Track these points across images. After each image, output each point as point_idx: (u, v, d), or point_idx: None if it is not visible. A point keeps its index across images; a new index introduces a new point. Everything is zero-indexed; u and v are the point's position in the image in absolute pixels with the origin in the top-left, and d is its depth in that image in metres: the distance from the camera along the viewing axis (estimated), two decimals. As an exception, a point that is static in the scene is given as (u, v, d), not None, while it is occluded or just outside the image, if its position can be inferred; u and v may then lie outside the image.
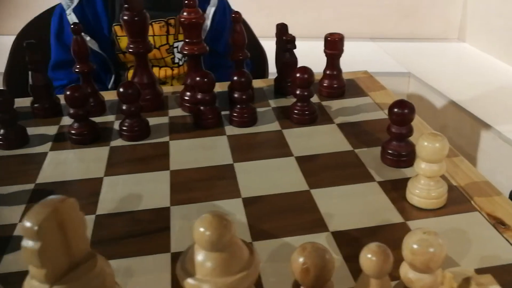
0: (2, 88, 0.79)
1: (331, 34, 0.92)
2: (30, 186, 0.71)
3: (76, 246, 0.28)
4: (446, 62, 2.19)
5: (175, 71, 1.23)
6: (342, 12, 2.42)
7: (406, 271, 0.45)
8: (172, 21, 1.18)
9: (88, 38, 1.12)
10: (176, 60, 1.23)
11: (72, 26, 0.84)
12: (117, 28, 1.15)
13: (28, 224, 0.27)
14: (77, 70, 0.87)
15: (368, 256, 0.34)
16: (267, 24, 1.39)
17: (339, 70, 0.94)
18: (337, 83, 0.94)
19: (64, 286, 0.28)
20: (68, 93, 0.77)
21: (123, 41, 1.16)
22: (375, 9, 2.44)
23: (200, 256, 0.29)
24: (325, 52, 0.93)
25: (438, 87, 1.88)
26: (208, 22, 1.20)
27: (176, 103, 0.95)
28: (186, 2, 0.83)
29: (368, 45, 2.36)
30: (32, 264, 0.28)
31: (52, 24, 1.19)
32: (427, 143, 0.60)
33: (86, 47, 0.86)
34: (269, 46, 1.29)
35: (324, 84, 0.95)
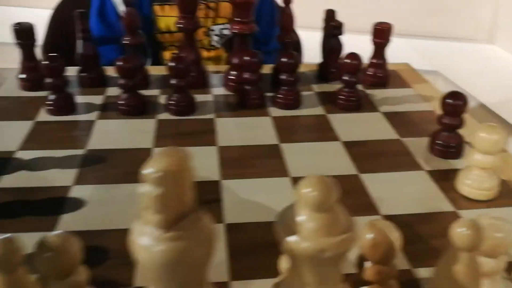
0: (55, 54, 0.79)
1: (380, 23, 0.92)
2: (80, 151, 0.72)
3: (187, 197, 0.29)
4: (474, 63, 2.17)
5: (212, 53, 1.24)
6: (370, 7, 2.41)
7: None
8: (212, 5, 1.19)
9: None
10: (213, 43, 1.23)
11: (125, -3, 0.85)
12: (157, 8, 1.16)
13: (150, 170, 0.28)
14: (127, 42, 0.88)
15: (462, 230, 0.34)
16: (303, 13, 1.39)
17: (384, 60, 0.94)
18: (381, 73, 0.94)
19: (176, 233, 0.28)
20: (120, 63, 0.78)
21: (162, 21, 1.16)
22: (404, 5, 2.42)
23: (302, 216, 0.30)
24: (372, 40, 0.93)
25: (466, 87, 1.87)
26: None
27: (218, 82, 0.95)
28: (240, -19, 0.83)
29: (396, 41, 2.35)
30: (150, 210, 0.28)
31: (93, 2, 1.18)
32: (484, 134, 0.60)
33: (138, 19, 0.87)
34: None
35: (369, 73, 0.95)
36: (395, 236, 0.44)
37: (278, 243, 0.48)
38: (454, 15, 2.42)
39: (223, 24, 1.23)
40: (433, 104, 0.88)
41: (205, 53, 1.22)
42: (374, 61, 0.95)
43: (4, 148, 0.71)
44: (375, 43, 0.94)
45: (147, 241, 0.29)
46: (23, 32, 0.85)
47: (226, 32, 1.23)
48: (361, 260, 0.46)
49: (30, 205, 0.61)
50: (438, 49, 2.27)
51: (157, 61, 1.21)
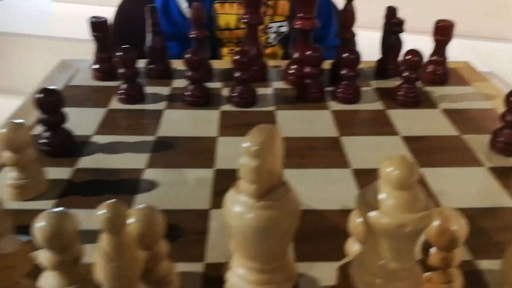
0: (127, 46, 0.84)
1: (441, 20, 0.92)
2: (151, 137, 0.76)
3: (277, 170, 0.32)
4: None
5: (268, 50, 1.26)
6: (426, 7, 2.37)
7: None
8: (271, 2, 1.21)
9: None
10: (270, 40, 1.26)
11: (193, -7, 0.89)
12: (217, 6, 1.19)
13: (248, 144, 0.31)
14: (193, 36, 0.92)
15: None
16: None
17: (444, 57, 0.94)
18: (441, 70, 0.94)
19: (267, 203, 0.31)
20: (188, 56, 0.82)
21: (222, 19, 1.19)
22: (461, 6, 2.38)
23: (384, 193, 0.32)
24: (433, 37, 0.93)
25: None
26: None
27: (278, 76, 0.98)
28: (305, -23, 0.85)
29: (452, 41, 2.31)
30: (246, 180, 0.31)
31: (157, 0, 1.22)
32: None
33: (204, 14, 0.91)
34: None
35: (428, 70, 0.95)
36: (461, 224, 0.45)
37: (338, 230, 0.50)
38: (510, 16, 2.36)
39: (280, 21, 1.25)
40: (493, 102, 0.88)
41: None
42: (434, 58, 0.95)
43: (82, 132, 0.77)
44: (436, 40, 0.93)
45: (240, 209, 0.32)
46: (99, 26, 0.91)
47: (283, 29, 1.26)
48: (426, 246, 0.47)
49: (107, 184, 0.66)
50: (494, 50, 2.22)
51: (215, 57, 1.24)
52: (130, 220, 0.45)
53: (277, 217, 0.32)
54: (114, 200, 0.35)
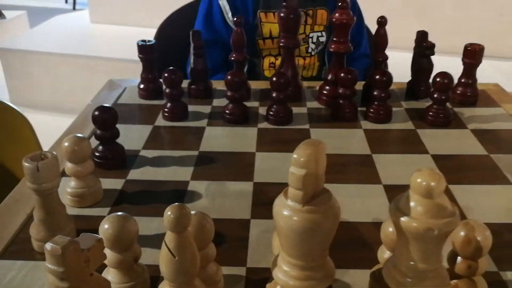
0: (174, 68, 0.91)
1: (471, 44, 0.96)
2: (195, 152, 0.82)
3: (321, 179, 0.37)
4: None
5: (307, 60, 1.29)
6: (457, 26, 2.40)
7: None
8: (310, 12, 1.24)
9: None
10: (309, 50, 1.28)
11: (235, 19, 0.96)
12: (262, 15, 1.22)
13: (297, 156, 0.36)
14: (233, 58, 0.98)
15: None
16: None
17: (474, 80, 0.98)
18: (471, 92, 0.98)
19: (311, 207, 0.36)
20: (229, 77, 0.88)
21: (266, 27, 1.22)
22: (491, 27, 2.40)
23: (414, 201, 0.36)
24: (463, 60, 0.97)
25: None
26: None
27: (312, 96, 1.03)
28: (339, 4, 0.91)
29: (483, 62, 2.32)
30: (293, 187, 0.36)
31: (201, 6, 1.28)
32: None
33: (244, 39, 0.97)
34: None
35: (458, 92, 0.99)
36: (486, 234, 0.49)
37: (370, 240, 0.55)
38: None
39: (320, 31, 1.27)
40: (523, 124, 0.91)
41: (301, 61, 1.27)
42: (464, 80, 0.99)
43: (131, 147, 0.83)
44: (465, 63, 0.97)
45: (287, 212, 0.37)
46: (146, 48, 0.98)
47: (322, 39, 1.28)
48: (453, 255, 0.51)
49: (155, 194, 0.72)
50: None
51: (254, 69, 1.28)
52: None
53: (320, 221, 0.37)
54: (178, 203, 0.40)
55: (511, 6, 2.35)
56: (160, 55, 1.43)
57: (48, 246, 0.39)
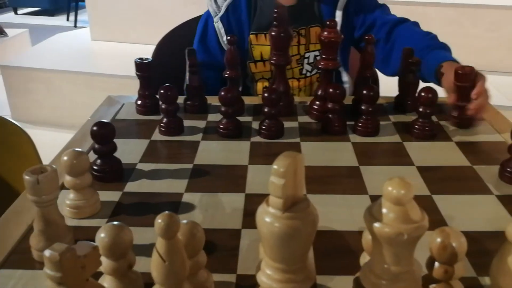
0: (169, 85, 0.95)
1: (462, 67, 0.94)
2: (189, 165, 0.86)
3: (300, 189, 0.40)
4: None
5: (301, 82, 1.26)
6: (449, 42, 2.45)
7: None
8: (302, 31, 1.21)
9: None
10: (304, 72, 1.25)
11: (228, 38, 1.00)
12: (252, 37, 1.21)
13: (276, 166, 0.39)
14: (226, 75, 1.02)
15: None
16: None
17: (468, 101, 0.95)
18: (467, 115, 0.95)
19: (291, 214, 0.39)
20: (222, 93, 0.92)
21: (257, 50, 1.22)
22: (483, 41, 2.44)
23: (386, 208, 0.40)
24: (455, 84, 0.95)
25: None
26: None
27: (303, 111, 1.07)
28: (328, 23, 0.95)
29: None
30: (274, 195, 0.40)
31: (198, 27, 1.29)
32: (550, 162, 0.66)
33: (238, 57, 1.01)
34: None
35: (453, 114, 0.98)
36: (461, 241, 0.52)
37: (355, 248, 0.58)
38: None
39: (318, 50, 1.23)
40: (505, 136, 0.94)
41: (295, 83, 1.24)
42: (459, 103, 0.96)
43: (128, 160, 0.86)
44: (458, 87, 0.95)
45: (269, 219, 0.41)
46: (143, 66, 1.02)
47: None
48: (431, 261, 0.54)
49: (150, 206, 0.75)
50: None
51: (248, 93, 1.29)
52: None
53: (299, 226, 0.40)
54: (167, 212, 0.43)
55: (499, 22, 2.40)
56: (159, 72, 1.48)
57: (47, 252, 0.42)
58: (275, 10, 0.96)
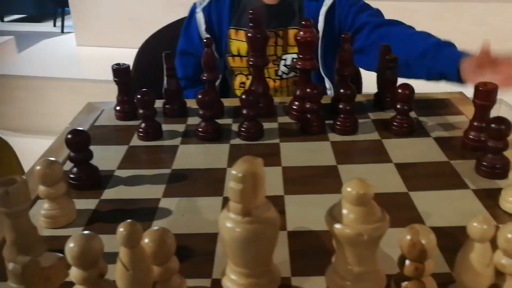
0: (146, 89, 0.94)
1: (483, 83, 0.84)
2: (167, 170, 0.85)
3: (260, 193, 0.40)
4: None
5: (277, 83, 1.26)
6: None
7: (499, 258, 0.52)
8: (280, 32, 1.22)
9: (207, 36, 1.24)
10: (279, 73, 1.25)
11: (204, 40, 0.99)
12: (231, 31, 1.23)
13: (235, 172, 0.39)
14: (204, 78, 1.02)
15: (475, 225, 0.43)
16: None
17: (485, 123, 0.85)
18: (485, 137, 0.83)
19: (251, 218, 0.39)
20: (199, 96, 0.92)
21: (234, 45, 1.24)
22: (467, 35, 2.45)
23: (346, 209, 0.39)
24: (474, 102, 0.85)
25: (532, 114, 1.87)
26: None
27: (283, 112, 1.07)
28: (303, 23, 0.95)
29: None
30: (233, 200, 0.39)
31: (187, 17, 1.32)
32: (523, 155, 0.67)
33: (214, 59, 1.01)
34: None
35: (470, 136, 0.87)
36: (430, 238, 0.52)
37: (332, 248, 0.57)
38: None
39: (295, 53, 1.17)
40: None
41: (270, 83, 1.23)
42: (476, 123, 0.86)
43: (106, 167, 0.86)
44: (476, 105, 0.85)
45: (230, 224, 0.40)
46: (121, 72, 1.02)
47: None
48: (402, 259, 0.54)
49: (128, 212, 0.75)
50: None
51: (226, 87, 1.30)
52: (146, 240, 0.53)
53: (260, 230, 0.40)
54: (130, 220, 0.43)
55: (482, 15, 2.41)
56: (141, 76, 1.47)
57: (10, 265, 0.42)
58: (250, 11, 0.96)
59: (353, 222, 0.39)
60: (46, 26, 5.46)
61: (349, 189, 0.39)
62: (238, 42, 1.24)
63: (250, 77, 1.27)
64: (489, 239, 0.44)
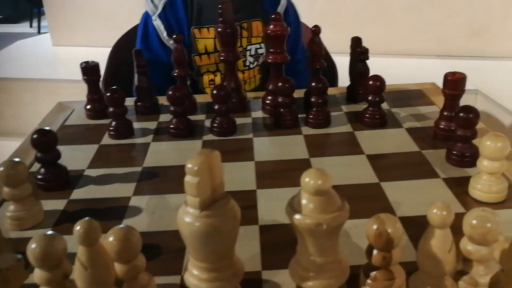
0: (115, 87, 0.93)
1: (451, 73, 0.85)
2: (138, 168, 0.84)
3: (218, 186, 0.39)
4: (515, 80, 2.19)
5: (245, 74, 1.30)
6: (409, 29, 2.47)
7: (465, 244, 0.52)
8: (245, 25, 1.25)
9: (171, 42, 1.23)
10: (247, 63, 1.30)
11: (174, 36, 0.98)
12: (195, 31, 1.24)
13: (190, 165, 0.38)
14: (175, 74, 1.01)
15: (434, 211, 0.43)
16: (336, 40, 1.49)
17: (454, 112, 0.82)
18: (455, 126, 0.82)
19: (209, 212, 0.39)
20: (170, 92, 0.90)
21: (201, 43, 1.24)
22: (444, 27, 2.47)
23: (305, 199, 0.39)
24: (443, 91, 0.87)
25: (507, 105, 1.89)
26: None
27: (257, 107, 1.06)
28: (273, 16, 0.94)
29: (435, 62, 2.40)
30: (190, 194, 0.39)
31: (139, 29, 1.31)
32: (489, 142, 0.67)
33: (185, 54, 1.00)
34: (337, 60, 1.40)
35: (441, 126, 0.88)
36: (396, 227, 0.52)
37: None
38: (496, 34, 2.45)
39: (258, 43, 1.29)
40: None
41: (240, 75, 1.25)
42: (446, 113, 0.87)
43: (75, 167, 0.84)
44: (446, 94, 0.86)
45: (188, 219, 0.40)
46: (90, 70, 1.00)
47: (261, 51, 1.30)
48: (369, 248, 0.54)
49: (97, 212, 0.73)
50: (479, 68, 2.29)
51: (196, 87, 1.30)
52: (110, 239, 0.52)
53: (218, 224, 0.39)
54: (87, 218, 0.42)
55: (458, 7, 2.44)
56: (115, 75, 1.45)
57: (-35, 269, 0.41)
58: (220, 6, 0.95)
59: (312, 212, 0.38)
60: (23, 27, 5.37)
61: (307, 179, 0.39)
62: (204, 39, 1.25)
63: (218, 73, 1.28)
64: (449, 225, 0.44)
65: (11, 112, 2.73)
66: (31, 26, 5.32)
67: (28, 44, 3.47)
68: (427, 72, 2.14)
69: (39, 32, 4.91)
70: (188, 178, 0.38)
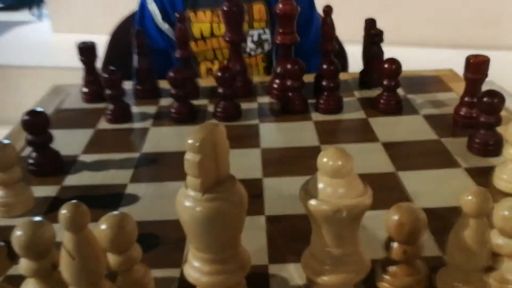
0: (113, 68, 0.88)
1: (474, 56, 0.79)
2: (136, 154, 0.79)
3: (223, 166, 0.34)
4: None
5: (246, 61, 1.16)
6: (422, 18, 2.41)
7: (496, 237, 0.47)
8: (245, 7, 1.16)
9: (166, 27, 1.18)
10: (248, 50, 1.21)
11: (177, 15, 0.92)
12: (190, 15, 1.17)
13: (191, 141, 0.33)
14: (177, 55, 0.95)
15: (469, 198, 0.37)
16: (345, 28, 1.43)
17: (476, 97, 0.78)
18: (477, 112, 0.78)
19: (213, 195, 0.33)
20: (171, 74, 0.85)
21: (196, 28, 1.17)
22: (457, 17, 2.41)
23: (322, 183, 0.34)
24: (465, 76, 0.81)
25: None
26: None
27: (264, 91, 1.00)
28: (282, -7, 0.89)
29: (448, 52, 2.33)
30: (191, 175, 0.33)
31: (136, 14, 1.25)
32: (518, 128, 0.61)
33: (188, 34, 0.94)
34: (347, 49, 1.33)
35: (461, 113, 0.82)
36: (420, 217, 0.46)
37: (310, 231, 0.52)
38: (509, 25, 2.39)
39: (262, 28, 1.21)
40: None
41: None
42: (467, 99, 0.82)
43: (70, 152, 0.79)
44: (467, 79, 0.81)
45: (188, 203, 0.34)
46: (86, 50, 0.94)
47: (265, 37, 1.22)
48: (389, 241, 0.48)
49: (92, 199, 0.67)
50: (492, 59, 2.23)
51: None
52: (102, 226, 0.47)
53: (224, 208, 0.34)
54: (74, 201, 0.37)
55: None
56: (115, 60, 1.40)
57: None
58: (225, -17, 0.89)
59: (330, 197, 0.33)
60: (23, 15, 5.31)
61: (325, 160, 0.34)
62: (200, 23, 1.18)
63: (215, 61, 1.21)
64: (486, 214, 0.39)
65: (11, 101, 2.68)
66: (30, 10, 5.24)
67: (27, 31, 3.41)
68: (439, 62, 2.08)
69: (40, 19, 4.84)
70: (188, 156, 0.33)
